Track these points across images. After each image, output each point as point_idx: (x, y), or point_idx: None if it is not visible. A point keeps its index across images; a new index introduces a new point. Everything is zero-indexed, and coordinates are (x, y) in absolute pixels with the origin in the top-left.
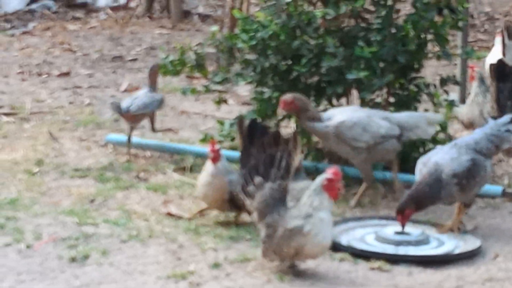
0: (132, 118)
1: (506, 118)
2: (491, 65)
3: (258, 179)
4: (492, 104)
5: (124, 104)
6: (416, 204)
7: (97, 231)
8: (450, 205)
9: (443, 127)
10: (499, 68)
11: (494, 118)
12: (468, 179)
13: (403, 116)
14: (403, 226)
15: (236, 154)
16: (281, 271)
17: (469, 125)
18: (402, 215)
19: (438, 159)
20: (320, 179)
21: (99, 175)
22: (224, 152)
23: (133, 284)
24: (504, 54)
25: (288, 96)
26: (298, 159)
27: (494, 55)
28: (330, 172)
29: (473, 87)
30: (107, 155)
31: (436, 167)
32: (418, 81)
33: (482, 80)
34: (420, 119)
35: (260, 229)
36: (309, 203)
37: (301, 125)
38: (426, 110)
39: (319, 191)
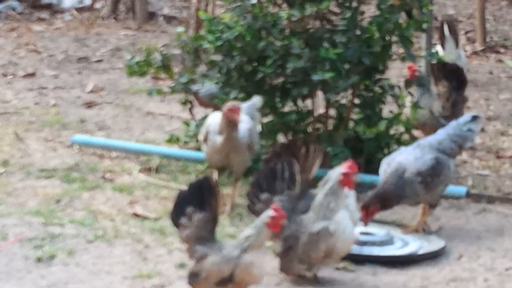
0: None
1: (467, 117)
2: (433, 64)
3: (264, 196)
4: (443, 104)
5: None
6: (381, 202)
7: (63, 232)
8: (415, 205)
9: (407, 129)
10: (441, 67)
11: (445, 118)
12: (432, 177)
13: None
14: (365, 222)
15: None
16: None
17: (421, 127)
18: (366, 211)
19: (402, 159)
20: (336, 174)
21: (65, 176)
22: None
23: (100, 284)
24: (443, 47)
25: None
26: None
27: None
28: (345, 165)
29: (416, 88)
30: (73, 155)
31: (400, 166)
32: (382, 82)
33: (423, 80)
34: None
35: (274, 246)
36: (326, 204)
37: None
38: (390, 112)
39: (335, 189)
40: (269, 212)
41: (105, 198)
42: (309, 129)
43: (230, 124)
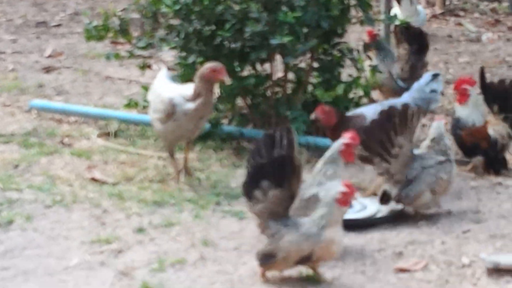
0: None
1: (427, 76)
2: (396, 26)
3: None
4: (402, 66)
5: None
6: None
7: (21, 197)
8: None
9: (366, 92)
10: (404, 30)
11: (404, 80)
12: None
13: None
14: None
15: None
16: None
17: (379, 88)
18: None
19: (362, 110)
20: (337, 144)
21: (23, 141)
22: None
23: (57, 249)
24: (399, 3)
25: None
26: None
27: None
28: (347, 136)
29: (376, 52)
30: (31, 120)
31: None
32: (341, 46)
33: (382, 44)
34: None
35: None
36: (324, 172)
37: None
38: (349, 76)
39: (335, 158)
40: (340, 188)
41: (64, 163)
42: (268, 93)
43: (210, 86)
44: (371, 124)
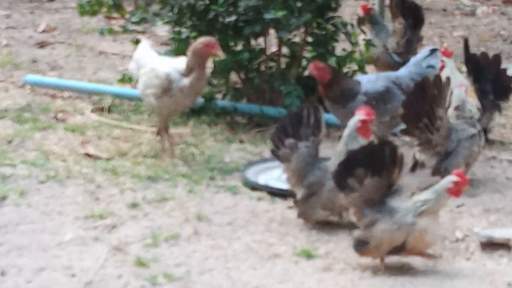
0: None
1: (425, 51)
2: (391, 0)
3: (289, 141)
4: (397, 41)
5: None
6: None
7: (14, 172)
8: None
9: (361, 67)
10: (399, 4)
11: (399, 54)
12: (377, 101)
13: None
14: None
15: None
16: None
17: (374, 62)
18: None
19: (357, 78)
20: (354, 121)
21: (17, 116)
22: None
23: (51, 224)
24: None
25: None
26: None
27: None
28: (363, 112)
29: (370, 26)
30: (25, 96)
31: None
32: (335, 20)
33: (376, 18)
34: None
35: (296, 191)
36: (347, 150)
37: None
38: (343, 50)
39: (354, 136)
40: (452, 177)
41: (57, 138)
42: (262, 67)
43: (203, 61)
44: (409, 97)
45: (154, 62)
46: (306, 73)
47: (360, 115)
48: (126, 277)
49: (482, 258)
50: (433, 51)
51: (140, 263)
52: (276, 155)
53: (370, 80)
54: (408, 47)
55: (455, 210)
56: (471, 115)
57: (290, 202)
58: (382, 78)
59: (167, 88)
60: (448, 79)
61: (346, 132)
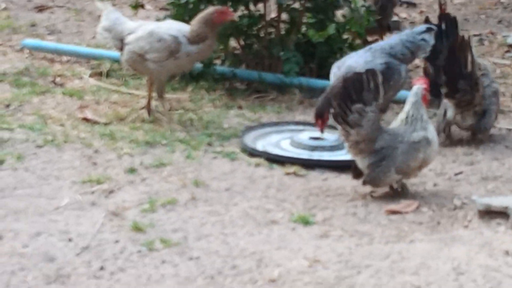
0: None
1: (422, 27)
2: None
3: (357, 106)
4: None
5: None
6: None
7: (12, 136)
8: None
9: (360, 34)
10: None
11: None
12: (382, 81)
13: None
14: (322, 130)
15: None
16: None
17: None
18: (322, 119)
19: (352, 63)
20: (419, 90)
21: (15, 80)
22: None
23: (48, 189)
24: None
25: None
26: None
27: None
28: (421, 81)
29: None
30: (23, 60)
31: (349, 70)
32: None
33: None
34: None
35: (361, 158)
36: (420, 116)
37: None
38: (343, 16)
39: (421, 103)
40: (422, 85)
41: (55, 102)
42: (261, 33)
43: (215, 29)
44: (447, 62)
45: (146, 26)
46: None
47: (421, 84)
48: (122, 242)
49: (480, 226)
50: (429, 29)
51: (137, 228)
52: (344, 120)
53: (367, 61)
54: (382, 12)
55: (453, 178)
56: (487, 72)
57: (288, 168)
58: (378, 54)
59: (174, 51)
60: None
61: (413, 99)
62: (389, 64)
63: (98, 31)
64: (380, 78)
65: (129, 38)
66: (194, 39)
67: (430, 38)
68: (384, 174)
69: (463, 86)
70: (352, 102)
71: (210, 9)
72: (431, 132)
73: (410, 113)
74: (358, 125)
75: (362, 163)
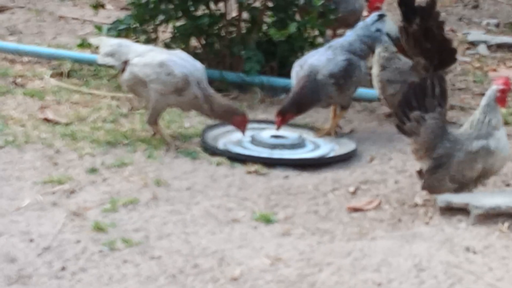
0: None
1: (373, 16)
2: None
3: (415, 114)
4: None
5: None
6: (297, 108)
7: None
8: (327, 107)
9: (321, 32)
10: None
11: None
12: (344, 78)
13: None
14: (279, 127)
15: None
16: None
17: None
18: (283, 117)
19: (314, 61)
20: (492, 91)
21: None
22: None
23: (9, 189)
24: None
25: None
26: None
27: None
28: (500, 82)
29: None
30: None
31: (312, 69)
32: None
33: None
34: None
35: (423, 163)
36: (487, 121)
37: None
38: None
39: (493, 106)
40: (498, 85)
41: (16, 103)
42: (222, 32)
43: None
44: None
45: (156, 53)
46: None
47: (497, 84)
48: (84, 242)
49: (441, 222)
50: (381, 16)
51: (99, 228)
52: (401, 129)
53: (329, 58)
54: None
55: (414, 175)
56: None
57: (250, 166)
58: (338, 51)
59: (181, 89)
60: None
61: (484, 102)
62: (350, 60)
63: (100, 60)
64: (446, 83)
65: (135, 60)
66: (208, 101)
67: (383, 26)
68: (439, 182)
69: None
70: (411, 110)
71: (238, 110)
72: (497, 140)
73: (477, 117)
74: (415, 133)
75: (423, 167)
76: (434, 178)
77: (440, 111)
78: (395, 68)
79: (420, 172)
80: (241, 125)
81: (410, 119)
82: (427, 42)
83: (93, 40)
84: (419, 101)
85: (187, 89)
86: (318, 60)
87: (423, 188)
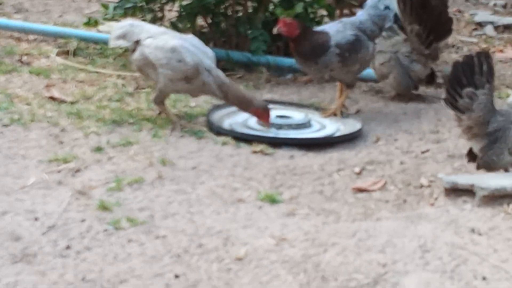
0: None
1: None
2: None
3: (467, 90)
4: None
5: None
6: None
7: None
8: (330, 81)
9: (330, 12)
10: None
11: None
12: (350, 52)
13: None
14: (279, 28)
15: None
16: None
17: None
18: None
19: (326, 27)
20: None
21: None
22: None
23: (15, 168)
24: None
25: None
26: None
27: None
28: None
29: None
30: None
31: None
32: None
33: None
34: None
35: (475, 142)
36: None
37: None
38: None
39: None
40: None
41: (22, 81)
42: (229, 11)
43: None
44: None
45: (169, 37)
46: (274, 31)
47: None
48: (89, 221)
49: (446, 204)
50: None
51: (104, 207)
52: (454, 106)
53: (338, 30)
54: None
55: (419, 156)
56: None
57: (255, 146)
58: (348, 26)
59: (191, 77)
60: None
61: None
62: (358, 36)
63: (111, 43)
64: (493, 60)
65: (147, 42)
66: (223, 90)
67: (390, 2)
68: (497, 156)
69: None
70: (462, 87)
71: (255, 103)
72: None
73: None
74: (469, 109)
75: (476, 146)
76: (491, 153)
77: (489, 87)
78: (387, 38)
79: (470, 153)
80: (262, 117)
81: (462, 96)
82: (424, 13)
83: (102, 28)
84: (468, 78)
85: (197, 77)
86: (329, 28)
87: (479, 167)
